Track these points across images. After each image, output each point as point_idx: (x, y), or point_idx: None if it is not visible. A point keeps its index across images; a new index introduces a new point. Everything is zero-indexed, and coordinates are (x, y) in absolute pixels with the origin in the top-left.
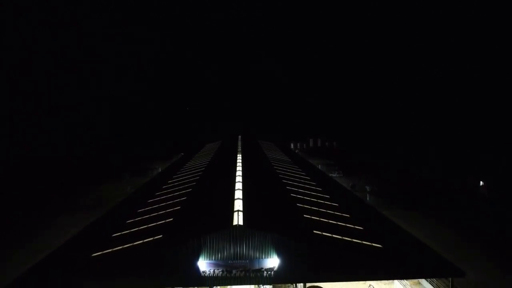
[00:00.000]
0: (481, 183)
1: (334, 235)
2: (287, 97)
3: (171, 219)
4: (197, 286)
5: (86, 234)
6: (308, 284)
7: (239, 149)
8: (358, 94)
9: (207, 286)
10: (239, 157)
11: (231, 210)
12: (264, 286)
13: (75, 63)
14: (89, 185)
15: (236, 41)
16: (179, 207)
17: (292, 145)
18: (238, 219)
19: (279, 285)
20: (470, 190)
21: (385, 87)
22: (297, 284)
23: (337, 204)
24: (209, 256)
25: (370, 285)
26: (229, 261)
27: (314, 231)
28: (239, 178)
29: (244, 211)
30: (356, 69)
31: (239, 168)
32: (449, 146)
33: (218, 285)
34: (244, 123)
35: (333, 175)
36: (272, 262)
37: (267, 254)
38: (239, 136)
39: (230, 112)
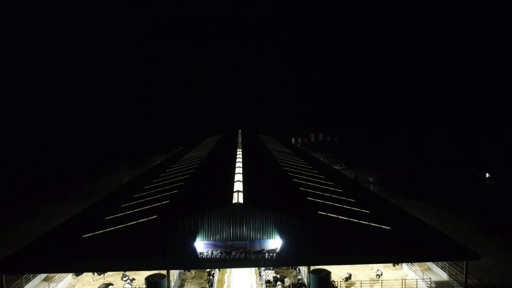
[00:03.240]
0: (487, 175)
1: (340, 217)
2: (287, 96)
3: (168, 201)
4: (194, 269)
5: (78, 218)
6: (312, 267)
7: (239, 140)
8: (359, 92)
9: (204, 268)
10: (240, 147)
11: (230, 191)
12: (266, 270)
13: (78, 60)
14: (86, 176)
15: (236, 40)
16: (176, 191)
17: (293, 140)
18: (238, 197)
19: (281, 269)
20: (476, 181)
21: (386, 86)
22: (301, 268)
23: (341, 190)
24: (207, 237)
25: (378, 269)
26: (228, 242)
27: (319, 212)
28: (239, 164)
29: (244, 191)
30: (358, 67)
31: (239, 157)
32: (453, 139)
33: (216, 268)
34: (244, 122)
35: (336, 167)
36: (274, 243)
37: (269, 235)
38: (239, 130)
39: (230, 110)
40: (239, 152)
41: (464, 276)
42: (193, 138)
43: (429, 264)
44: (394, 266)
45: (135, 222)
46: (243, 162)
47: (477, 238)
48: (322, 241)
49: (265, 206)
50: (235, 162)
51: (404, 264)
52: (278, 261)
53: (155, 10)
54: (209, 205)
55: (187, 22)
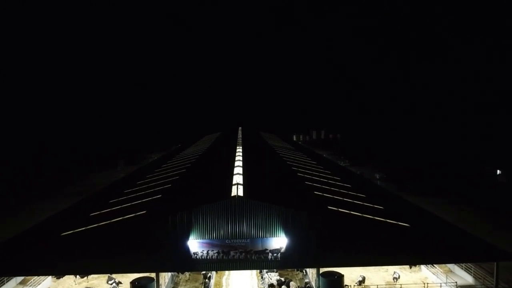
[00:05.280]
0: (498, 171)
1: (352, 212)
2: (288, 94)
3: (160, 195)
4: (187, 271)
5: (61, 215)
6: (322, 270)
7: (240, 136)
8: (361, 89)
9: (199, 270)
10: (240, 143)
11: (229, 183)
12: (269, 273)
13: (81, 59)
14: (80, 173)
15: (235, 38)
16: (170, 185)
17: (294, 138)
18: (237, 190)
19: (286, 271)
20: (486, 178)
21: (387, 83)
22: (308, 270)
23: (349, 185)
24: (202, 235)
25: (394, 272)
26: (227, 241)
27: (329, 207)
28: (239, 158)
29: (244, 184)
30: (359, 65)
31: (239, 152)
32: (459, 136)
33: (212, 270)
34: (244, 120)
35: (340, 164)
36: (279, 242)
37: (272, 233)
38: (240, 127)
39: (230, 108)
40: (239, 147)
41: (494, 280)
42: (192, 136)
43: (450, 265)
44: (410, 268)
45: (120, 218)
46: (243, 156)
47: (497, 237)
48: (333, 240)
49: (268, 199)
50: (234, 156)
51: (422, 266)
52: (283, 262)
53: (150, 8)
54: (205, 199)
55: (185, 19)
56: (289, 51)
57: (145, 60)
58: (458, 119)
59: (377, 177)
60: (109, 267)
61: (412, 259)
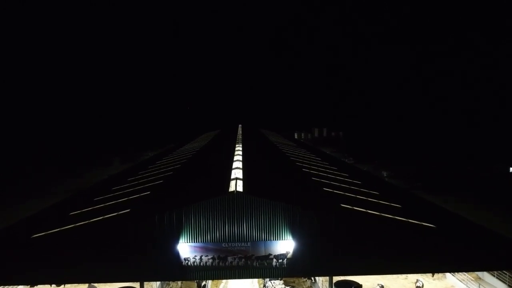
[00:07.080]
0: (511, 169)
1: (369, 211)
2: (289, 92)
3: (148, 192)
4: (177, 280)
5: (37, 215)
6: (335, 278)
7: (240, 132)
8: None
9: (190, 279)
10: (239, 139)
11: (227, 178)
12: (272, 281)
13: (77, 59)
14: (73, 171)
15: (234, 37)
16: (161, 181)
17: (296, 136)
18: (236, 186)
19: (291, 279)
20: (499, 176)
21: (389, 81)
22: (318, 278)
23: (359, 182)
24: (194, 238)
25: (417, 280)
26: (224, 245)
27: (342, 205)
28: (238, 153)
29: (244, 179)
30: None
31: (238, 148)
32: (471, 134)
33: (206, 279)
34: (244, 118)
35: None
36: (285, 246)
37: (277, 235)
38: (239, 125)
39: (229, 107)
40: (239, 143)
41: None
42: (191, 134)
43: (479, 272)
44: (433, 275)
45: (101, 218)
46: (243, 151)
47: None
48: (349, 243)
49: (272, 196)
50: (234, 151)
51: (447, 273)
52: (289, 270)
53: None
54: (198, 196)
55: (185, 18)
56: (289, 49)
57: (145, 60)
58: (459, 118)
59: (385, 175)
60: (86, 275)
61: (442, 266)
